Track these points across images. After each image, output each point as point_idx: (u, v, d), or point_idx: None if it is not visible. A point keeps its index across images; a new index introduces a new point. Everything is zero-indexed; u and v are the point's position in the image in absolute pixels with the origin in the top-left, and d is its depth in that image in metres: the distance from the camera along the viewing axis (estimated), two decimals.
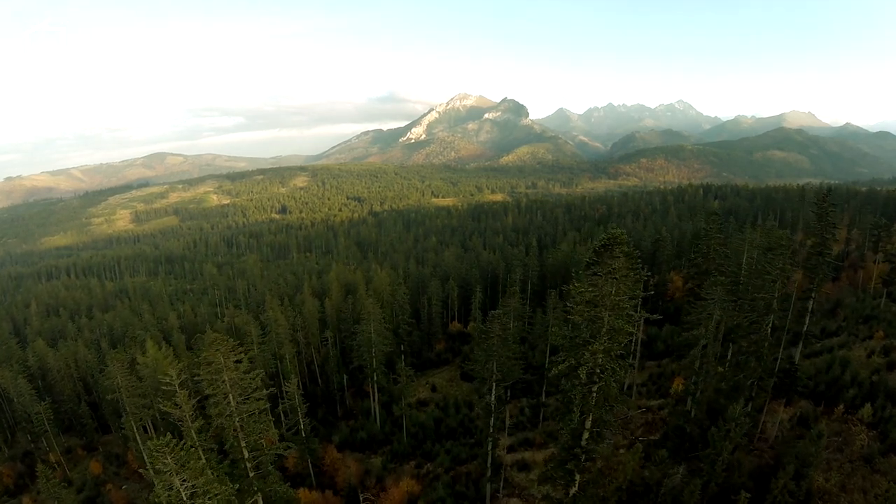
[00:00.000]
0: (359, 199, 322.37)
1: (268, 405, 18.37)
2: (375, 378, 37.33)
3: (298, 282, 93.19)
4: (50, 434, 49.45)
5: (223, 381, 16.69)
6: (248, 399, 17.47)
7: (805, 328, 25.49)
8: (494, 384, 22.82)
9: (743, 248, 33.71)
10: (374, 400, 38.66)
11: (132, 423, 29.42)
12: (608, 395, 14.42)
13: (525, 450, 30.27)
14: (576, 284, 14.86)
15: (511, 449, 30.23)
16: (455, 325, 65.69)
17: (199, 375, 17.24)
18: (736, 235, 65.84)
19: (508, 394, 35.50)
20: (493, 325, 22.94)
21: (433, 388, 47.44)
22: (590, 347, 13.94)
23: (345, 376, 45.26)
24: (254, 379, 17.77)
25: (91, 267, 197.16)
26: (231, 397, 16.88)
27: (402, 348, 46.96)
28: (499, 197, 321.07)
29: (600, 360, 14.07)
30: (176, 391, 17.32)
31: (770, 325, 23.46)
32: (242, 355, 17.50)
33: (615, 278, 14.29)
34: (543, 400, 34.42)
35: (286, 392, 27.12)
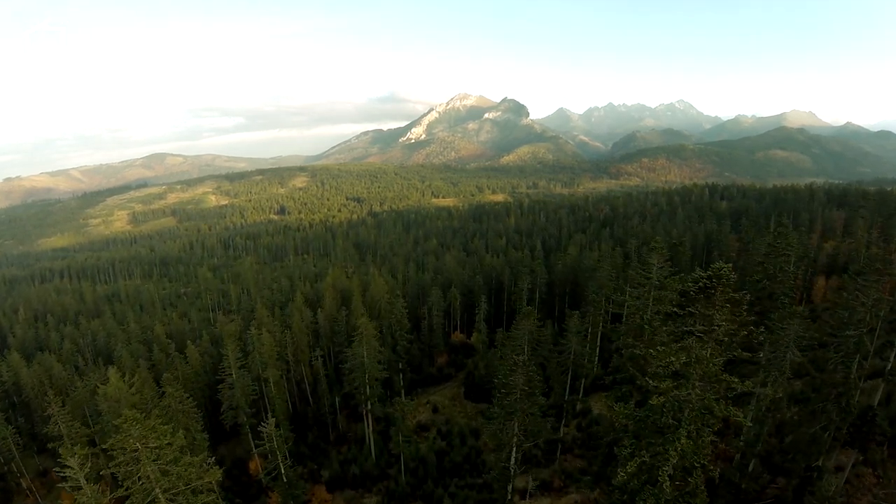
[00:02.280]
0: (358, 200, 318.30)
1: (217, 498, 14.28)
2: (370, 406, 33.37)
3: (293, 287, 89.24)
4: (18, 459, 45.59)
5: (144, 476, 12.58)
6: (186, 493, 13.19)
7: (889, 367, 21.43)
8: (515, 446, 18.88)
9: (788, 260, 29.35)
10: (368, 428, 34.72)
11: (80, 476, 25.14)
12: (692, 500, 10.41)
13: (542, 494, 26.37)
14: (659, 349, 10.59)
15: (526, 494, 26.27)
16: (457, 336, 61.67)
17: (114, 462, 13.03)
18: (759, 240, 61.63)
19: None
20: (516, 377, 18.91)
21: (434, 409, 43.45)
22: (675, 444, 9.76)
23: (336, 398, 41.33)
24: (191, 466, 13.55)
25: (85, 269, 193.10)
26: (159, 494, 12.78)
27: (401, 366, 43.01)
28: (500, 197, 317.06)
29: (681, 448, 10.02)
30: (80, 485, 13.08)
31: (857, 365, 19.51)
32: (170, 435, 13.35)
33: (720, 341, 10.18)
34: (561, 436, 30.50)
35: (263, 433, 23.25)
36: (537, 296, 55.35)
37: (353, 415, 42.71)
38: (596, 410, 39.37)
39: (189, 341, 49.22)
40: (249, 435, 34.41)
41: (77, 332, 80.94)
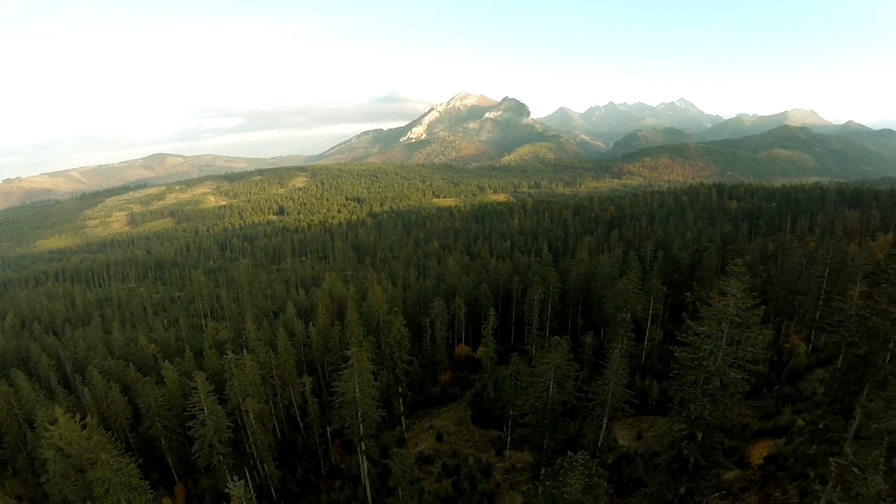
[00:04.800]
0: (358, 200, 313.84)
1: None
2: (364, 447, 28.95)
3: (287, 293, 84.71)
4: None
5: None
6: None
7: None
8: None
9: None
10: (363, 466, 30.29)
11: None
12: None
13: None
14: None
15: None
16: (462, 349, 57.16)
17: None
18: (795, 249, 56.86)
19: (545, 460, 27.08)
20: (572, 482, 14.30)
21: (438, 437, 38.95)
22: None
23: (328, 428, 36.88)
24: None
25: (80, 272, 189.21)
26: None
27: (401, 390, 38.55)
28: (502, 197, 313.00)
29: None
30: None
31: None
32: None
33: None
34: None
35: (232, 496, 18.97)
36: (549, 306, 50.85)
37: (348, 444, 38.24)
38: (622, 441, 35.00)
39: (167, 360, 44.79)
40: (228, 475, 30.05)
41: (59, 343, 76.58)
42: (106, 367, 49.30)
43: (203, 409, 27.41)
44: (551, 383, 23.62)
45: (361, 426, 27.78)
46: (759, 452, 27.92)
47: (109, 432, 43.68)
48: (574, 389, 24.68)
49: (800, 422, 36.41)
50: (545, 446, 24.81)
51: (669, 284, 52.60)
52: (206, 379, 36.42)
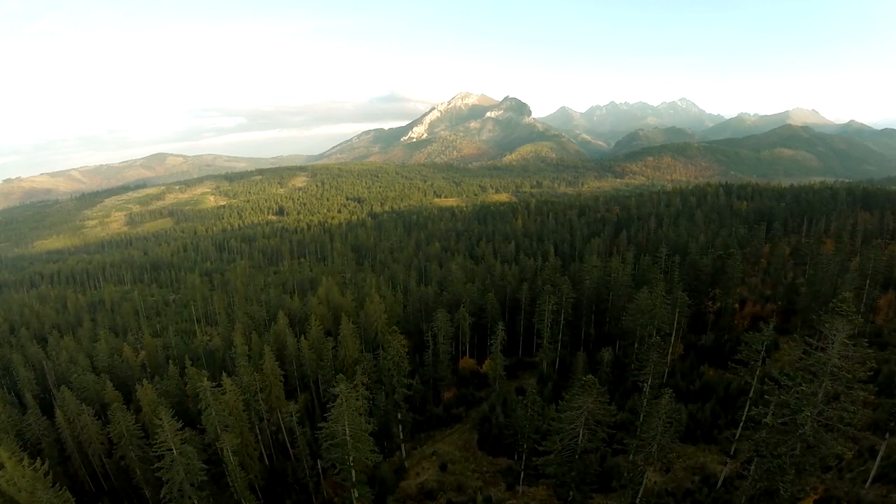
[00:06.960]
0: (359, 200, 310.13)
1: None
2: (356, 495, 25.34)
3: (281, 300, 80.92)
4: None
5: None
6: None
7: None
8: None
9: None
10: None
11: None
12: None
13: None
14: None
15: None
16: (467, 362, 53.46)
17: None
18: (827, 259, 52.84)
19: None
20: None
21: (442, 466, 35.31)
22: None
23: (318, 461, 33.25)
24: None
25: (75, 274, 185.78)
26: None
27: (400, 416, 34.87)
28: (504, 197, 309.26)
29: None
30: None
31: None
32: None
33: None
34: None
35: None
36: (562, 318, 47.11)
37: None
38: (649, 475, 31.28)
39: (145, 380, 41.17)
40: None
41: (43, 352, 72.94)
42: (84, 383, 45.69)
43: (171, 450, 23.82)
44: (581, 430, 19.99)
45: (353, 472, 24.17)
46: (812, 498, 24.21)
47: (81, 459, 40.10)
48: (605, 433, 20.94)
49: (847, 454, 32.89)
50: (570, 498, 21.23)
51: (689, 293, 48.97)
52: (186, 400, 32.80)
